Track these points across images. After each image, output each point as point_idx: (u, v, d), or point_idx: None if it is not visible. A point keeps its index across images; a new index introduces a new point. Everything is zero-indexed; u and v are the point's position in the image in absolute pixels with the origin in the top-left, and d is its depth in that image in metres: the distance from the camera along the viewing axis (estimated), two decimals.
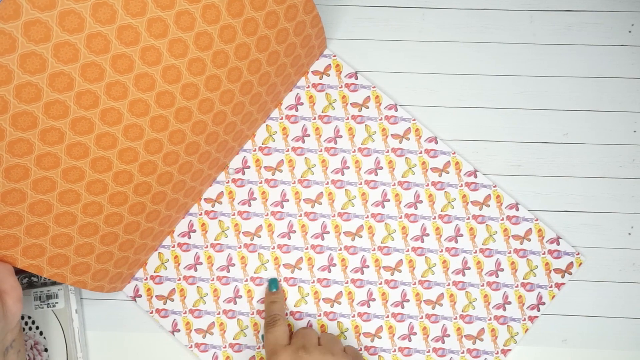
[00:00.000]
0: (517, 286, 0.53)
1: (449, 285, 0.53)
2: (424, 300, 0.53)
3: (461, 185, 0.53)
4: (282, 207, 0.54)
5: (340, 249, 0.53)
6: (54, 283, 0.53)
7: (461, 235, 0.53)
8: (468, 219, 0.53)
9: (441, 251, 0.53)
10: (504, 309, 0.53)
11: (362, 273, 0.53)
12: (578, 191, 0.54)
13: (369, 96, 0.54)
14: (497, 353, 0.52)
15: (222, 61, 0.44)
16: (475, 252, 0.53)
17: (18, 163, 0.39)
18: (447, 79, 0.55)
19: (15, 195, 0.40)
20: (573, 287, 0.53)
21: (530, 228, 0.53)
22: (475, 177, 0.53)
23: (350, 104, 0.54)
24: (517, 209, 0.53)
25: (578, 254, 0.53)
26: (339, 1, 0.56)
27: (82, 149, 0.41)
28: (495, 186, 0.53)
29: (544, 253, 0.53)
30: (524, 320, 0.52)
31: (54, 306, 0.52)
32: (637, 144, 0.55)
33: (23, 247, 0.42)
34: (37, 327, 0.52)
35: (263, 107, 0.52)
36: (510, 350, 0.52)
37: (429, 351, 0.52)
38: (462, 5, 0.56)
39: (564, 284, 0.53)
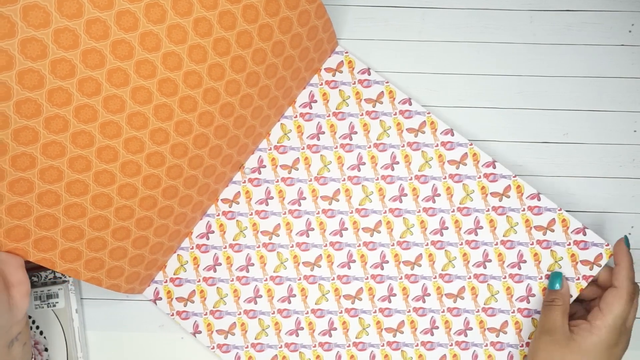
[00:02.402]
0: (540, 278, 0.52)
1: (470, 278, 0.52)
2: (445, 294, 0.53)
3: (479, 177, 0.53)
4: (300, 205, 0.54)
5: (359, 245, 0.53)
6: (54, 283, 0.53)
7: (481, 228, 0.53)
8: (488, 210, 0.53)
9: (461, 244, 0.53)
10: (528, 302, 0.52)
11: (382, 268, 0.53)
12: (578, 191, 0.55)
13: (382, 91, 0.54)
14: (522, 346, 0.52)
15: (224, 49, 0.44)
16: (497, 244, 0.52)
17: (24, 152, 0.39)
18: (447, 79, 0.55)
19: (23, 185, 0.40)
20: (573, 287, 0.53)
21: (554, 218, 0.52)
22: (494, 167, 0.53)
23: (364, 99, 0.54)
24: (539, 199, 0.52)
25: (607, 244, 0.51)
26: (339, 1, 0.56)
27: (87, 137, 0.41)
28: (515, 176, 0.52)
29: (569, 244, 0.52)
30: None
31: (54, 306, 0.52)
32: (637, 144, 0.55)
33: (34, 240, 0.42)
34: (37, 327, 0.52)
35: (274, 103, 0.52)
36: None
37: (451, 345, 0.52)
38: (462, 5, 0.56)
39: (592, 276, 0.51)
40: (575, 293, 0.51)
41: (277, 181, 0.54)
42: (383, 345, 0.53)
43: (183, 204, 0.50)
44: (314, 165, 0.54)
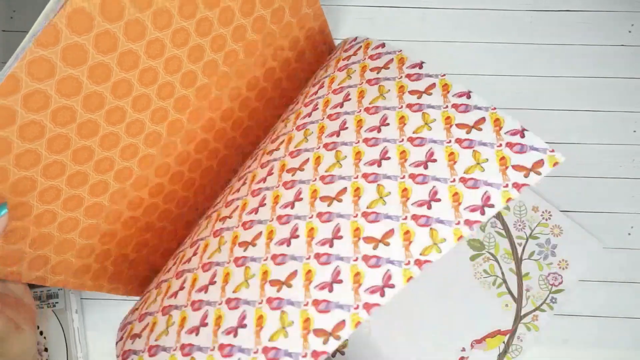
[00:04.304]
0: (452, 181, 0.37)
1: (357, 177, 0.39)
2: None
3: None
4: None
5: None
6: None
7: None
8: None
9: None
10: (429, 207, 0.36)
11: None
12: (578, 191, 0.55)
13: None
14: (409, 264, 0.34)
15: (232, 59, 0.45)
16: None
17: (52, 185, 0.40)
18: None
19: (47, 216, 0.41)
20: (499, 195, 0.52)
21: (484, 117, 0.38)
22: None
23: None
24: (469, 97, 0.40)
25: (552, 150, 0.36)
26: (338, 1, 0.56)
27: (107, 163, 0.43)
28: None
29: (499, 145, 0.37)
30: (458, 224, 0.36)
31: (54, 306, 0.52)
32: (637, 144, 0.55)
33: (52, 266, 0.43)
34: (37, 327, 0.52)
35: (271, 104, 0.52)
36: (428, 261, 0.35)
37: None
38: (462, 5, 0.56)
39: (526, 184, 0.37)
40: (501, 204, 0.37)
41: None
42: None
43: (179, 206, 0.51)
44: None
